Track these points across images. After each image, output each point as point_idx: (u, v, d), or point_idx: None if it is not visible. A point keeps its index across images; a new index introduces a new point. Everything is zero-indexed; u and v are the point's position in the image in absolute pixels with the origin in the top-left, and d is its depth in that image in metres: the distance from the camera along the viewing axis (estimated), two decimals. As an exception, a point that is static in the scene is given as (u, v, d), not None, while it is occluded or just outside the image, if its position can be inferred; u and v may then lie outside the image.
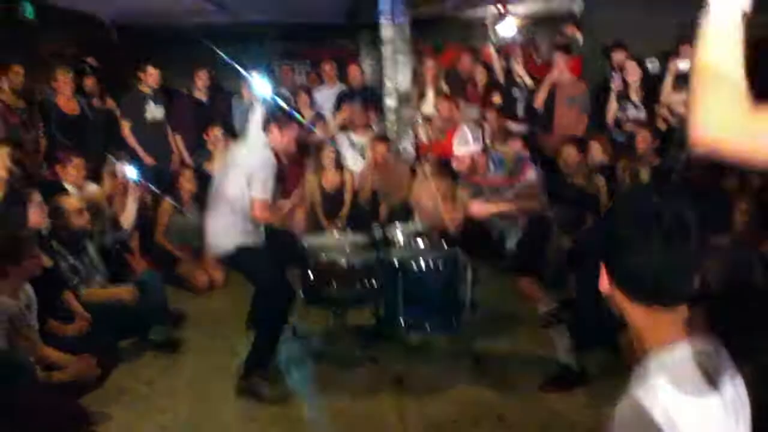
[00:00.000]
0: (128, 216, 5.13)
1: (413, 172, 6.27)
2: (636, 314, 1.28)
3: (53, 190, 4.93)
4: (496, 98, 6.84)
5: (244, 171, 3.82)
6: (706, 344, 1.27)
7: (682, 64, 5.62)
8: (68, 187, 5.11)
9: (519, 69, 6.79)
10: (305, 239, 4.41)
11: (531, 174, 4.10)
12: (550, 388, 3.79)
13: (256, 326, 4.01)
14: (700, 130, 1.13)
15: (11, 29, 6.74)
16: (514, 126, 6.64)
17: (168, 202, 5.95)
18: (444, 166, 4.93)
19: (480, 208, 4.19)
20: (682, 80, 5.75)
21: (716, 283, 3.44)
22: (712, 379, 1.23)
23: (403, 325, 3.98)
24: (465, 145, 4.17)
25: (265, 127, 3.94)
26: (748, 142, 1.11)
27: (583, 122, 6.43)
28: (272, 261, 3.98)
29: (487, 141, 4.35)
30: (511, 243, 4.10)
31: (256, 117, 6.73)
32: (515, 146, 5.85)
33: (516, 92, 6.88)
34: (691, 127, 1.13)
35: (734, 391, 1.25)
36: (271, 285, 3.83)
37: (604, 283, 1.32)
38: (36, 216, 4.38)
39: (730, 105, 1.11)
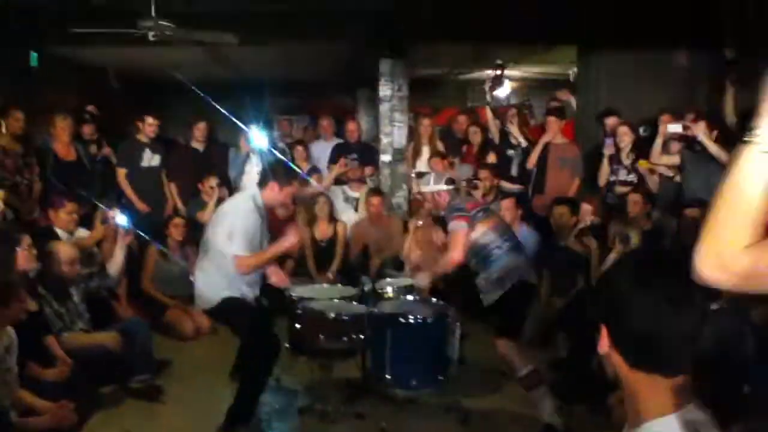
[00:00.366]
0: (116, 263, 5.09)
1: (406, 226, 6.31)
2: (633, 379, 1.24)
3: (45, 234, 4.93)
4: (491, 157, 6.93)
5: (227, 225, 3.85)
6: (700, 414, 1.23)
7: (672, 127, 5.71)
8: (59, 231, 5.09)
9: (514, 130, 6.90)
10: (294, 289, 4.38)
11: (455, 227, 4.02)
12: None
13: (240, 378, 3.95)
14: (701, 263, 1.07)
15: (16, 76, 6.86)
16: (508, 185, 6.72)
17: (155, 248, 5.94)
18: (435, 220, 4.97)
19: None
20: (672, 142, 5.87)
21: (706, 350, 3.42)
22: None
23: (390, 379, 3.91)
24: (427, 186, 4.30)
25: (262, 182, 3.97)
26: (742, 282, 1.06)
27: (575, 184, 6.51)
28: (258, 314, 3.95)
29: (455, 182, 4.41)
30: (487, 300, 4.04)
31: (252, 169, 6.86)
32: (505, 204, 5.92)
33: (510, 153, 6.97)
34: (697, 252, 1.08)
35: None
36: (257, 339, 3.80)
37: (604, 345, 1.28)
38: (25, 259, 4.36)
39: (735, 237, 1.06)
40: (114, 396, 4.37)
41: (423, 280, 4.38)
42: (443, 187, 4.21)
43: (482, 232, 4.02)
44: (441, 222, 4.52)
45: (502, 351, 3.90)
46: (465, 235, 3.97)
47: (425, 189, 4.34)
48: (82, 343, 4.33)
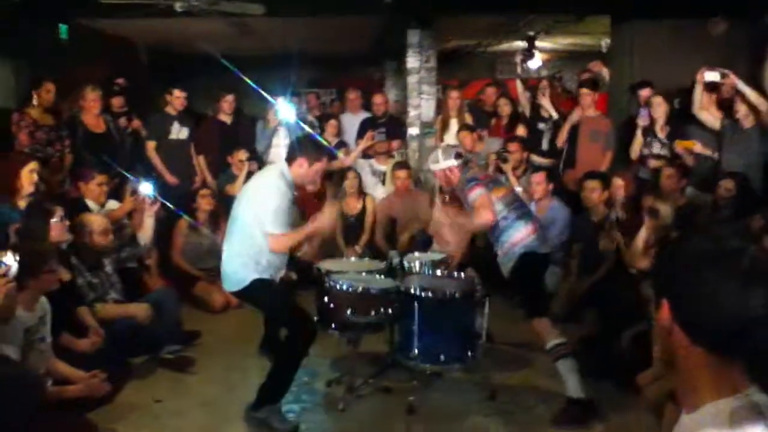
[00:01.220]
0: (145, 232, 5.14)
1: (433, 201, 6.25)
2: (693, 357, 1.18)
3: (75, 206, 4.98)
4: (521, 130, 6.82)
5: (258, 203, 3.71)
6: (763, 397, 1.16)
7: (710, 75, 5.57)
8: (90, 203, 5.15)
9: (545, 103, 6.77)
10: (322, 263, 4.37)
11: (477, 192, 4.00)
12: (561, 422, 3.70)
13: (275, 359, 3.89)
14: None
15: (45, 49, 6.90)
16: (538, 159, 6.62)
17: (184, 220, 5.98)
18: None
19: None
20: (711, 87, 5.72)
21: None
22: None
23: (417, 354, 3.91)
24: (435, 163, 4.23)
25: (290, 158, 3.83)
26: None
27: (607, 158, 6.38)
28: (286, 295, 3.92)
29: (463, 156, 4.33)
30: (504, 271, 4.06)
31: (280, 142, 6.84)
32: (536, 178, 5.83)
33: (541, 126, 6.86)
34: None
35: None
36: (295, 323, 3.73)
37: (664, 318, 1.21)
38: (57, 231, 4.41)
39: None
40: (145, 366, 4.45)
41: (451, 247, 4.33)
42: (453, 162, 4.15)
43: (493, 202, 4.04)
44: (457, 199, 4.45)
45: (536, 329, 3.88)
46: (488, 197, 3.97)
47: (435, 167, 4.25)
48: (114, 314, 4.40)
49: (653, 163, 5.95)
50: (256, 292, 3.77)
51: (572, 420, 3.69)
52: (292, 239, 3.83)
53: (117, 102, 6.91)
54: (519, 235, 3.96)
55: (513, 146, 6.33)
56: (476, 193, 3.98)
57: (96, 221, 4.58)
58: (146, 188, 5.05)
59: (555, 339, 3.79)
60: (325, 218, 3.85)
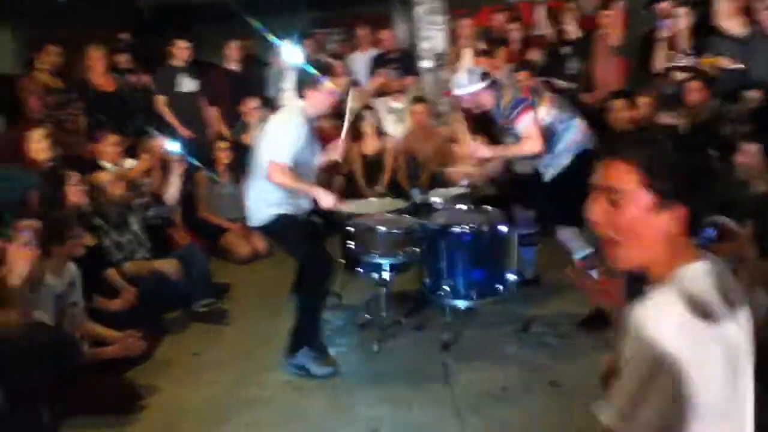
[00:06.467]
0: (172, 191, 5.12)
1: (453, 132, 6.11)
2: (659, 225, 1.28)
3: (92, 168, 4.95)
4: (533, 55, 6.59)
5: (272, 135, 3.72)
6: (719, 263, 1.31)
7: None
8: (106, 164, 5.12)
9: (571, 26, 6.49)
10: (344, 206, 4.31)
11: (525, 120, 3.94)
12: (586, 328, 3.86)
13: (297, 299, 3.88)
14: None
15: (47, 11, 6.76)
16: (560, 84, 6.39)
17: (204, 174, 5.94)
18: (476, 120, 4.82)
19: (476, 150, 4.23)
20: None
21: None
22: (728, 301, 1.25)
23: (448, 291, 3.88)
24: (459, 88, 4.14)
25: (301, 93, 3.80)
26: None
27: (624, 71, 6.13)
28: (309, 232, 3.88)
29: (498, 78, 4.27)
30: (549, 174, 4.06)
31: (289, 85, 6.69)
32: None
33: (565, 50, 6.59)
34: None
35: (745, 316, 1.29)
36: (310, 258, 3.72)
37: (625, 184, 1.30)
38: (75, 194, 4.41)
39: None
40: (179, 321, 4.49)
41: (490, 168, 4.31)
42: (481, 85, 4.04)
43: (544, 113, 4.01)
44: (497, 127, 4.34)
45: (562, 237, 3.94)
46: (536, 124, 3.95)
47: (461, 92, 4.16)
48: (143, 271, 4.43)
49: (678, 75, 5.72)
50: (278, 227, 3.79)
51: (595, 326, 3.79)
52: (290, 181, 3.67)
53: (123, 58, 6.78)
54: (575, 134, 4.02)
55: (522, 74, 6.11)
56: (524, 122, 3.96)
57: (103, 175, 4.56)
58: (172, 146, 4.99)
59: (584, 248, 3.80)
60: (327, 196, 3.74)
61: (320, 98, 3.77)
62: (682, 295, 1.22)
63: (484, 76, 4.08)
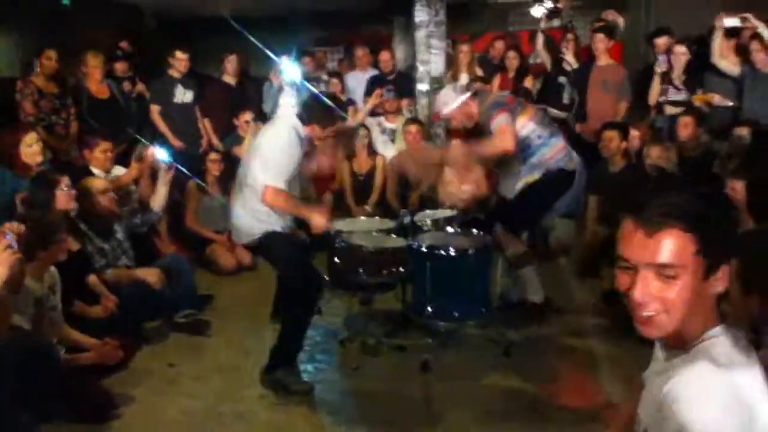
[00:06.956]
0: (159, 199, 5.09)
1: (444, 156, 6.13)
2: (711, 289, 1.24)
3: (82, 174, 4.93)
4: (528, 82, 6.66)
5: (264, 153, 3.61)
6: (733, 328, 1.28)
7: (729, 21, 5.41)
8: (95, 171, 5.10)
9: (569, 56, 6.57)
10: (333, 223, 4.29)
11: (500, 119, 3.95)
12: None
13: (282, 318, 3.83)
14: None
15: (48, 16, 6.79)
16: (555, 112, 6.44)
17: (194, 184, 5.93)
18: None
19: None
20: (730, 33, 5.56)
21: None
22: (749, 356, 1.23)
23: (431, 312, 3.86)
24: (446, 106, 4.17)
25: (303, 120, 3.72)
26: None
27: (621, 108, 6.21)
28: (298, 249, 3.85)
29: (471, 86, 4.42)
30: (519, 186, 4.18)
31: (287, 101, 6.72)
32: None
33: (562, 79, 6.66)
34: None
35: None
36: (298, 276, 3.64)
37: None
38: (64, 199, 4.38)
39: None
40: (159, 331, 4.44)
41: (467, 192, 4.30)
42: (464, 95, 4.11)
43: (522, 124, 4.03)
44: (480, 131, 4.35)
45: (503, 238, 4.09)
46: (511, 125, 3.96)
47: (449, 108, 4.17)
48: (126, 280, 4.39)
49: (670, 109, 5.79)
50: (266, 243, 3.71)
51: (531, 318, 4.13)
52: (287, 204, 3.62)
53: (121, 66, 6.80)
54: (551, 152, 4.05)
55: None
56: (498, 120, 3.97)
57: (94, 183, 4.53)
58: (161, 154, 4.98)
59: (520, 248, 4.03)
60: (320, 222, 3.66)
61: (317, 134, 3.75)
62: (717, 367, 1.15)
63: (468, 86, 4.14)
